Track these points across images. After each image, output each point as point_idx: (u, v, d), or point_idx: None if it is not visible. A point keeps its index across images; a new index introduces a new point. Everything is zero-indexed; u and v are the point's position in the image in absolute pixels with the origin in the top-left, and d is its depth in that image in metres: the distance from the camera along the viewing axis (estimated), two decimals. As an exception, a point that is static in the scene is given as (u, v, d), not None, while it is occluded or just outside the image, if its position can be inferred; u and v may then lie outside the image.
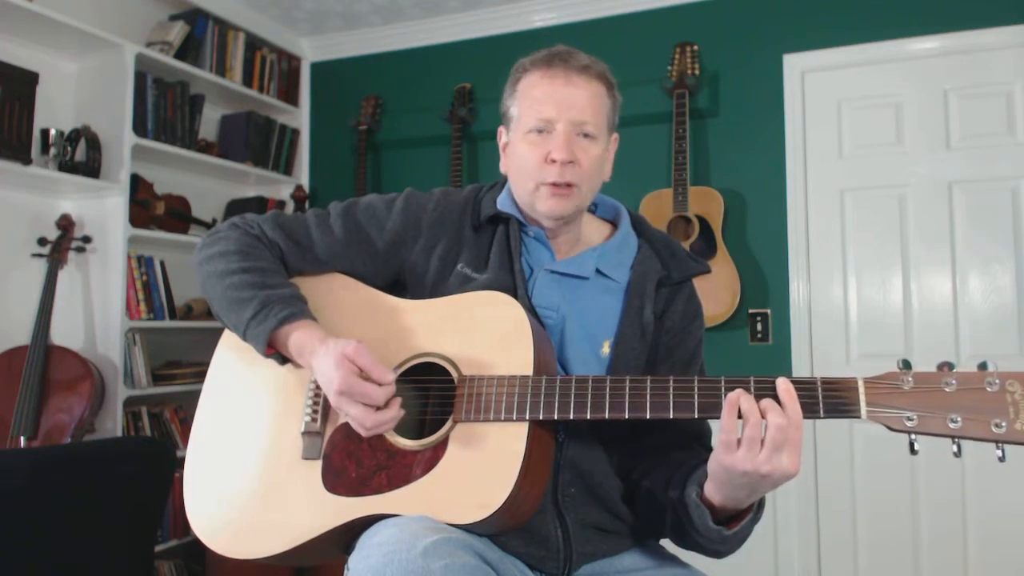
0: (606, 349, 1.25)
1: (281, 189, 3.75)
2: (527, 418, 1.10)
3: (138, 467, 2.17)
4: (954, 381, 0.93)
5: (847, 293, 2.94)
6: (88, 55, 2.90)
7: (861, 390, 0.97)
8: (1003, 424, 0.89)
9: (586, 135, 1.21)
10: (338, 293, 1.30)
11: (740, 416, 0.99)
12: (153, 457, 2.21)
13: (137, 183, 2.98)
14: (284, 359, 1.24)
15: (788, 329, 2.97)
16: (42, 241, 2.74)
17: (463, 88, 3.41)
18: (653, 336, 1.27)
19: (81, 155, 2.75)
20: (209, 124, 3.48)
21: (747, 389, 1.01)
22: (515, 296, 1.22)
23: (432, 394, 1.20)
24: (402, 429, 1.16)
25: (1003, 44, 2.76)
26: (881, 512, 2.82)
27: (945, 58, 2.84)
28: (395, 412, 1.12)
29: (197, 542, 1.26)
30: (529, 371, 1.12)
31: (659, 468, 1.21)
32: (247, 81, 3.51)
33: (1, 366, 2.55)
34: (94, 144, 2.79)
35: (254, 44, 3.57)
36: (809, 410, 0.99)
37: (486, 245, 1.29)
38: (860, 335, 2.91)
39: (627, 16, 3.28)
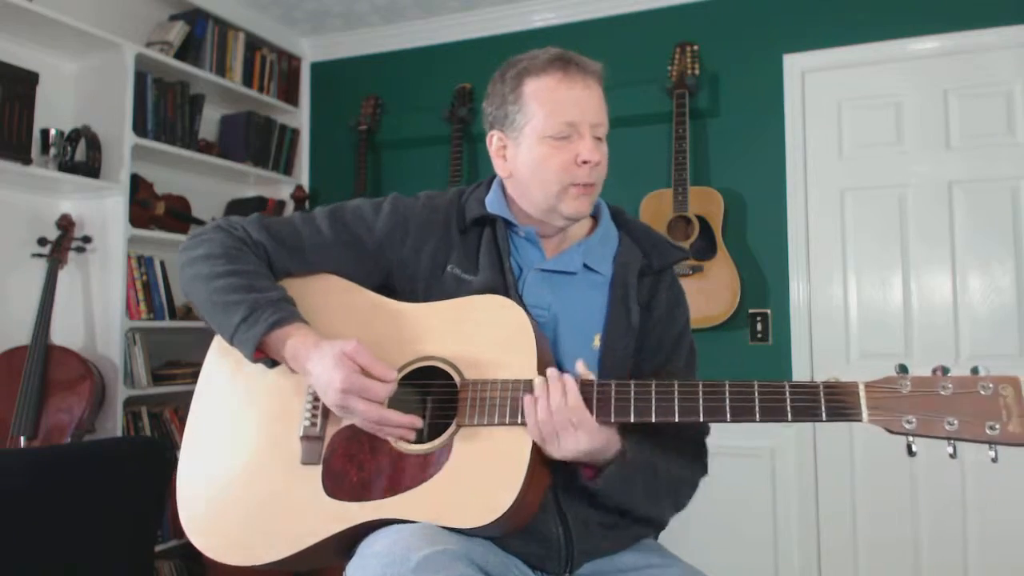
0: (596, 342, 1.26)
1: (281, 189, 3.75)
2: None
3: (138, 467, 2.17)
4: (950, 385, 0.96)
5: (847, 293, 2.94)
6: (88, 55, 2.89)
7: (862, 394, 0.99)
8: (997, 426, 0.93)
9: (598, 138, 1.27)
10: (333, 296, 1.29)
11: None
12: (153, 457, 2.21)
13: (137, 183, 2.98)
14: (273, 363, 1.23)
15: (788, 329, 2.97)
16: (42, 241, 2.74)
17: (463, 88, 3.41)
18: (641, 326, 1.29)
19: (81, 155, 2.75)
20: (209, 124, 3.48)
21: (750, 395, 1.04)
22: (507, 296, 1.23)
23: (434, 398, 1.20)
24: None
25: (1003, 44, 2.76)
26: (881, 513, 2.82)
27: (945, 58, 2.84)
28: (409, 419, 1.12)
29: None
30: (533, 374, 1.12)
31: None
32: (247, 81, 3.51)
33: (1, 366, 2.55)
34: (94, 144, 2.79)
35: (254, 44, 3.57)
36: (811, 413, 1.01)
37: (474, 246, 1.30)
38: (860, 335, 2.91)
39: (627, 16, 3.28)
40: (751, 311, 2.99)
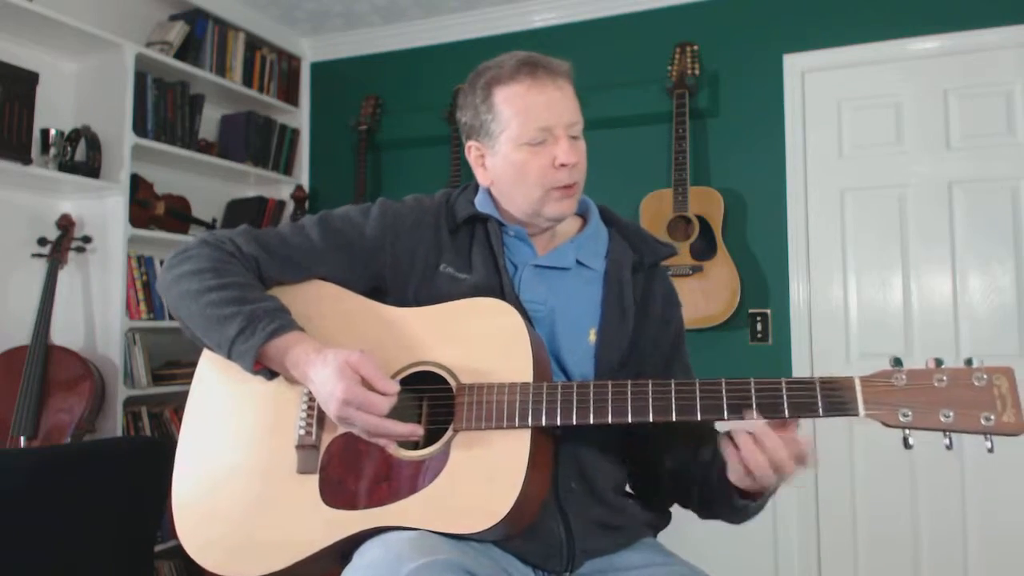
0: (592, 336, 1.27)
1: (281, 189, 3.75)
2: (529, 424, 1.10)
3: (138, 467, 2.17)
4: (945, 377, 0.98)
5: (847, 293, 2.94)
6: (88, 55, 2.89)
7: (858, 389, 1.00)
8: (991, 417, 0.94)
9: (574, 136, 1.26)
10: (326, 302, 1.28)
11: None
12: (153, 457, 2.21)
13: (137, 183, 2.98)
14: (272, 374, 1.22)
15: (788, 329, 2.97)
16: (42, 241, 2.74)
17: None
18: (636, 322, 1.29)
19: (81, 155, 2.75)
20: (209, 124, 3.48)
21: (747, 392, 1.04)
22: (503, 293, 1.24)
23: (431, 403, 1.20)
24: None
25: (1003, 44, 2.76)
26: (881, 513, 2.82)
27: (945, 58, 2.84)
28: (410, 428, 1.11)
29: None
30: (528, 377, 1.12)
31: (678, 446, 1.25)
32: (247, 81, 3.51)
33: (1, 366, 2.55)
34: (94, 144, 2.79)
35: (254, 44, 3.57)
36: (808, 409, 1.02)
37: (466, 246, 1.30)
38: (860, 335, 2.91)
39: (627, 16, 3.28)
40: (751, 311, 2.99)
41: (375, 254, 1.29)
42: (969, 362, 0.98)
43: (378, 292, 1.30)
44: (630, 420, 1.08)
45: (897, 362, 1.00)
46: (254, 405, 1.25)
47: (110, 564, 2.08)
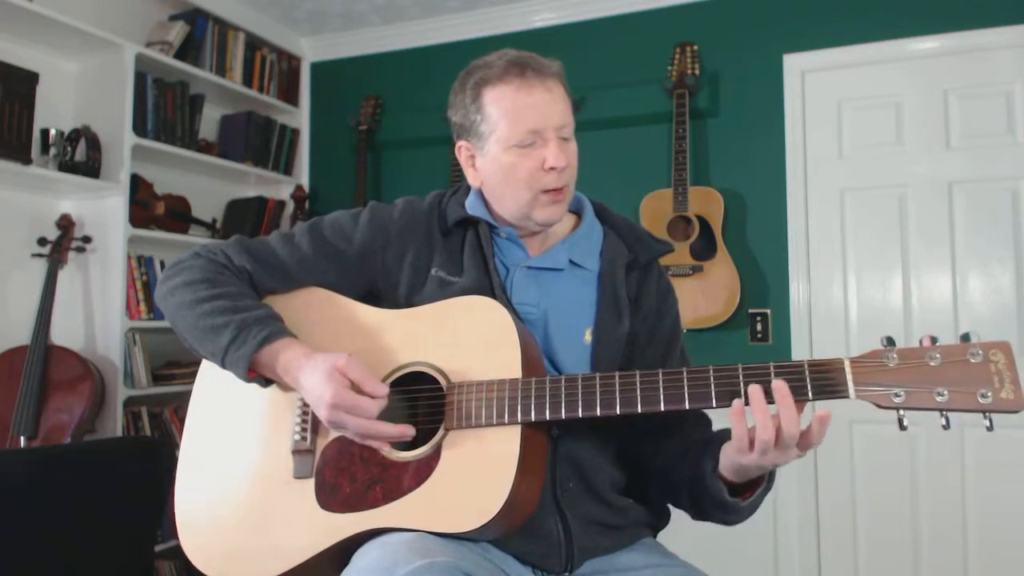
0: (588, 337, 1.26)
1: (281, 189, 3.75)
2: (519, 420, 1.09)
3: (138, 467, 2.17)
4: (938, 355, 0.94)
5: (847, 293, 2.94)
6: (88, 55, 2.89)
7: (848, 370, 0.98)
8: (989, 394, 0.90)
9: (565, 138, 1.25)
10: (317, 308, 1.28)
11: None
12: (153, 457, 2.21)
13: (137, 183, 2.98)
14: (267, 381, 1.22)
15: (788, 329, 2.97)
16: (42, 241, 2.74)
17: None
18: (631, 319, 1.29)
19: (81, 155, 2.75)
20: (209, 124, 3.48)
21: (735, 379, 1.04)
22: (493, 296, 1.23)
23: (421, 404, 1.20)
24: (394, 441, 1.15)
25: (1003, 44, 2.76)
26: (881, 512, 2.82)
27: (945, 58, 2.84)
28: (400, 429, 1.12)
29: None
30: (518, 372, 1.12)
31: (668, 444, 1.24)
32: (247, 81, 3.51)
33: (1, 366, 2.55)
34: (94, 144, 2.79)
35: (254, 44, 3.57)
36: (798, 393, 1.00)
37: (457, 249, 1.30)
38: (860, 335, 2.91)
39: (627, 16, 3.28)
40: (751, 311, 2.99)
41: (366, 260, 1.29)
42: (966, 337, 0.94)
43: (372, 297, 1.30)
44: (619, 412, 1.07)
45: (889, 341, 0.97)
46: (252, 412, 1.26)
47: (110, 564, 2.08)
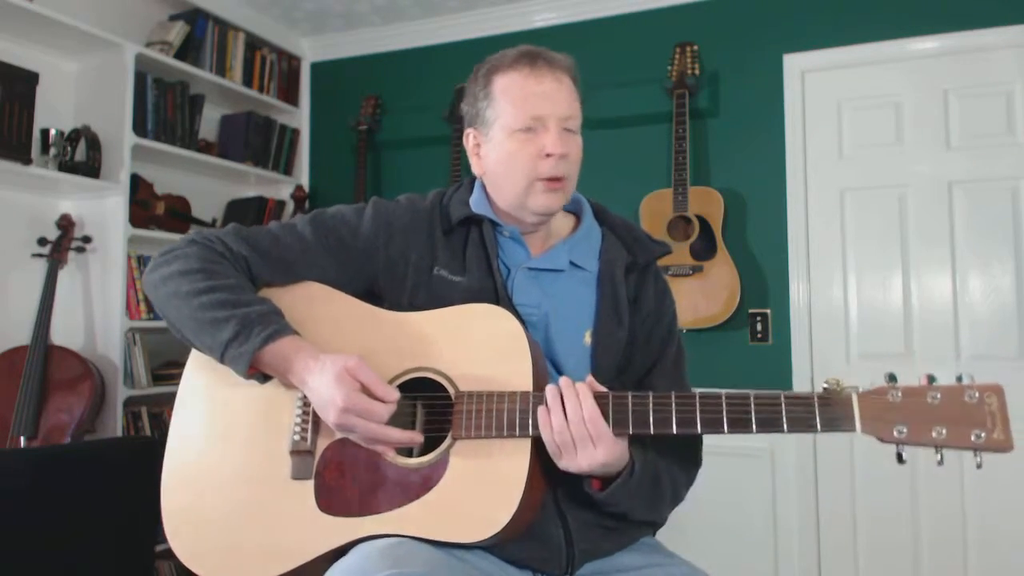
0: (587, 338, 1.26)
1: (281, 189, 3.75)
2: (530, 435, 1.09)
3: (138, 467, 2.17)
4: (939, 395, 0.99)
5: (847, 293, 2.94)
6: (88, 55, 2.89)
7: (855, 405, 1.01)
8: (982, 434, 0.96)
9: (569, 130, 1.25)
10: (318, 304, 1.25)
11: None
12: (153, 457, 2.20)
13: (137, 183, 2.98)
14: (265, 377, 1.20)
15: (788, 329, 2.97)
16: (42, 241, 2.74)
17: (463, 88, 3.40)
18: (630, 321, 1.29)
19: (81, 155, 2.75)
20: (209, 124, 3.48)
21: (747, 407, 1.04)
22: (496, 296, 1.23)
23: (428, 410, 1.19)
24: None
25: (1003, 44, 2.76)
26: (881, 513, 2.81)
27: (945, 58, 2.84)
28: (409, 436, 1.11)
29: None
30: (528, 385, 1.11)
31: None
32: (247, 81, 3.51)
33: (1, 366, 2.55)
34: (94, 144, 2.79)
35: (254, 44, 3.57)
36: (806, 424, 1.02)
37: (460, 247, 1.29)
38: (860, 335, 2.91)
39: (627, 16, 3.28)
40: (751, 311, 2.99)
41: (369, 255, 1.28)
42: (960, 379, 1.00)
43: (371, 295, 1.28)
44: (631, 432, 1.07)
45: (892, 378, 1.02)
46: (246, 408, 1.22)
47: (110, 564, 2.08)
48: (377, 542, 1.06)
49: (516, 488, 1.06)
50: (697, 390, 1.09)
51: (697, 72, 3.06)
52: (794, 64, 3.02)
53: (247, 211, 3.55)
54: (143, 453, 2.24)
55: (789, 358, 2.95)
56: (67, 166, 2.72)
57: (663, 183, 3.07)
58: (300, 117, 3.83)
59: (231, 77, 3.41)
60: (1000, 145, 2.77)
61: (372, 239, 1.28)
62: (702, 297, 2.90)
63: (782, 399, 1.03)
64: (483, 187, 1.33)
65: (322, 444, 1.17)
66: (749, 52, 3.08)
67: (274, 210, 3.63)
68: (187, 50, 3.22)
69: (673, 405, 1.06)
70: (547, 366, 1.21)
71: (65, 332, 2.79)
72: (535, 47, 1.28)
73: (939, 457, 0.99)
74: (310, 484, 1.15)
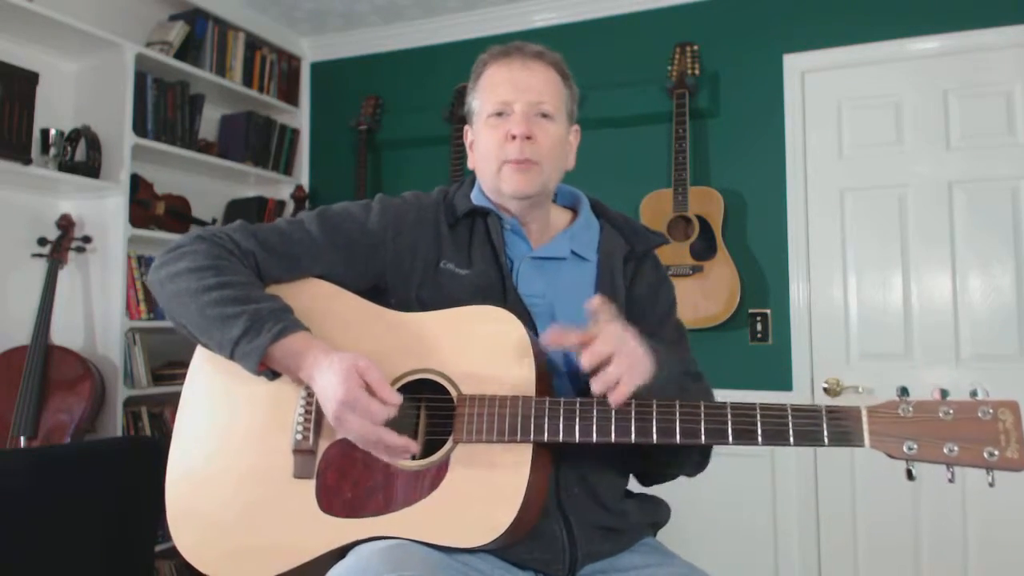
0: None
1: (281, 189, 3.75)
2: (531, 440, 1.09)
3: (138, 467, 2.17)
4: (951, 410, 0.96)
5: (847, 293, 2.94)
6: (88, 55, 2.89)
7: (864, 420, 0.99)
8: (995, 453, 0.93)
9: (544, 115, 1.27)
10: (325, 302, 1.25)
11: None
12: (153, 457, 2.21)
13: (137, 183, 2.98)
14: (274, 374, 1.20)
15: (788, 329, 2.97)
16: (42, 241, 2.74)
17: (463, 88, 3.40)
18: (628, 307, 1.30)
19: (81, 155, 2.75)
20: (209, 124, 3.48)
21: (753, 418, 1.03)
22: (503, 288, 1.24)
23: (429, 412, 1.19)
24: None
25: (1003, 44, 2.75)
26: (881, 514, 2.81)
27: (945, 58, 2.84)
28: (404, 441, 1.10)
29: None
30: (531, 389, 1.11)
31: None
32: (247, 81, 3.51)
33: (1, 366, 2.55)
34: (94, 144, 2.79)
35: (254, 44, 3.57)
36: (813, 438, 1.01)
37: (465, 241, 1.30)
38: (860, 335, 2.91)
39: (627, 16, 3.28)
40: (751, 311, 2.99)
41: (376, 250, 1.28)
42: (974, 394, 0.96)
43: (377, 290, 1.28)
44: (633, 440, 1.07)
45: (904, 392, 0.99)
46: (249, 406, 1.23)
47: (110, 564, 2.08)
48: (376, 544, 1.06)
49: (517, 494, 1.06)
50: None
51: (697, 72, 3.06)
52: (794, 64, 3.02)
53: (247, 211, 3.55)
54: (143, 453, 2.24)
55: (789, 358, 2.95)
56: (67, 166, 2.72)
57: (663, 183, 3.07)
58: (300, 117, 3.83)
59: (231, 77, 3.41)
60: (1000, 145, 2.77)
61: (379, 234, 1.28)
62: (702, 297, 2.90)
63: (788, 411, 1.02)
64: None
65: (324, 444, 1.17)
66: (749, 52, 3.08)
67: (274, 210, 3.63)
68: (187, 50, 3.22)
69: (677, 415, 1.06)
70: (551, 373, 1.20)
71: (65, 332, 2.79)
72: (519, 41, 1.33)
73: (950, 475, 0.96)
74: (312, 484, 1.16)
